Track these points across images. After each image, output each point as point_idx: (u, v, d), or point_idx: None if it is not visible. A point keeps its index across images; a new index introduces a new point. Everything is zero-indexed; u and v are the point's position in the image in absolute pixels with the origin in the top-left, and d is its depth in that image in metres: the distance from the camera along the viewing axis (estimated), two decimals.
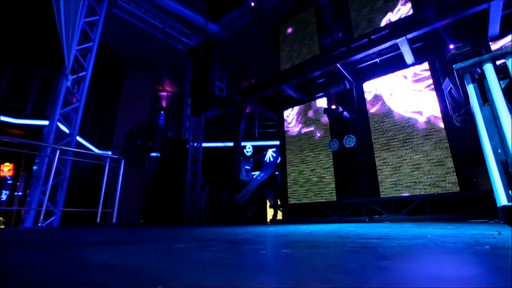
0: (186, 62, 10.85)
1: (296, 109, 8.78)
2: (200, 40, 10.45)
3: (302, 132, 8.42)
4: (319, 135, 8.00)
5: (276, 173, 8.35)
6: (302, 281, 0.68)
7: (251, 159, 6.66)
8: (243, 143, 9.08)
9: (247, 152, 6.62)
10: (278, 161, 8.70)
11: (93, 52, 7.02)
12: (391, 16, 7.11)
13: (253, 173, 8.63)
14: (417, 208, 5.84)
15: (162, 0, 9.20)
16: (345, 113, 7.16)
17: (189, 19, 9.94)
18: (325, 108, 7.38)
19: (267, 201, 9.79)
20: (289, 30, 9.54)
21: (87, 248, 1.54)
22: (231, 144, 9.30)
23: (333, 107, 7.07)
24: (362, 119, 7.13)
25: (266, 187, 7.89)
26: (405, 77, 6.71)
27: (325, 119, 7.90)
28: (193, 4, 9.72)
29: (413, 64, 6.63)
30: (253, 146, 10.96)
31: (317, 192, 7.56)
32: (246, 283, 0.67)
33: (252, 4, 9.31)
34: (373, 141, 6.83)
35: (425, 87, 6.35)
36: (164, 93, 14.78)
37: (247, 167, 6.58)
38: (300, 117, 8.61)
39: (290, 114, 8.89)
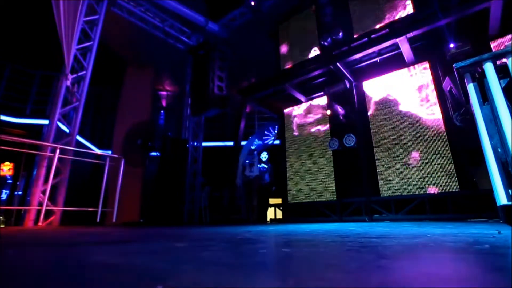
0: (186, 61, 10.84)
1: (296, 108, 8.78)
2: (200, 39, 10.45)
3: (302, 131, 8.41)
4: (319, 134, 8.00)
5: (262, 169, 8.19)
6: (302, 281, 0.68)
7: (255, 153, 6.44)
8: (244, 140, 9.03)
9: (252, 146, 6.41)
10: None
11: (93, 51, 7.02)
12: (391, 15, 7.11)
13: (259, 166, 8.40)
14: (417, 207, 5.84)
15: (162, 0, 9.19)
16: (342, 113, 7.14)
17: (189, 18, 9.92)
18: (327, 112, 7.40)
19: (268, 201, 9.79)
20: (289, 29, 9.53)
21: (87, 248, 1.54)
22: (231, 143, 9.29)
23: (328, 112, 7.06)
24: (362, 119, 7.12)
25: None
26: (405, 76, 6.71)
27: (325, 118, 7.90)
28: (193, 3, 9.71)
29: (413, 63, 6.62)
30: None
31: (317, 192, 7.56)
32: (246, 282, 0.67)
33: (252, 3, 9.29)
34: (373, 140, 6.83)
35: (425, 87, 6.35)
36: (164, 93, 14.77)
37: (247, 161, 6.36)
38: (300, 116, 8.61)
39: (290, 114, 8.89)
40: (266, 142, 7.32)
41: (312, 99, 8.47)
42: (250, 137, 6.71)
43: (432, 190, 5.72)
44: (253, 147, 6.44)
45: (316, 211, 7.38)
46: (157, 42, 10.36)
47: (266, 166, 8.60)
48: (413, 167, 6.10)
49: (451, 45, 5.63)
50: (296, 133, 8.53)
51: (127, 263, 0.96)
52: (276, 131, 7.56)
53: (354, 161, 7.04)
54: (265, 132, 7.46)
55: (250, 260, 1.01)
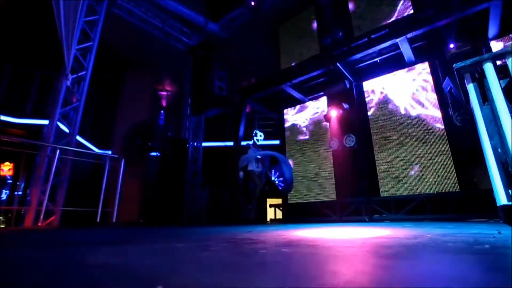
0: (186, 61, 10.84)
1: (296, 108, 8.78)
2: (200, 39, 10.44)
3: (302, 131, 8.41)
4: (319, 134, 8.00)
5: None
6: (302, 281, 0.68)
7: (260, 149, 6.13)
8: (244, 140, 8.97)
9: (257, 140, 6.07)
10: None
11: (93, 52, 7.01)
12: (392, 15, 7.11)
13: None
14: (417, 207, 5.84)
15: (162, 0, 9.18)
16: (342, 113, 7.13)
17: (189, 18, 9.92)
18: (325, 115, 7.41)
19: (267, 201, 9.78)
20: (289, 29, 9.53)
21: (87, 248, 1.54)
22: (231, 143, 9.29)
23: (334, 115, 7.08)
24: (362, 119, 7.13)
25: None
26: (405, 77, 6.71)
27: (325, 118, 7.89)
28: (193, 3, 9.71)
29: (413, 64, 6.62)
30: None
31: (317, 192, 7.56)
32: (246, 282, 0.67)
33: (252, 3, 9.28)
34: (373, 140, 6.84)
35: (425, 87, 6.35)
36: (164, 93, 14.76)
37: (258, 156, 6.02)
38: (300, 116, 8.61)
39: (290, 114, 8.89)
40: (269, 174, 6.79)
41: (312, 99, 8.47)
42: (261, 151, 6.19)
43: (432, 190, 5.71)
44: (259, 157, 6.17)
45: (316, 211, 7.38)
46: (157, 42, 10.35)
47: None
48: (413, 167, 6.10)
49: (451, 45, 5.63)
50: (295, 133, 8.53)
51: (127, 263, 0.96)
52: (278, 180, 6.84)
53: (354, 161, 7.04)
54: (273, 170, 6.91)
55: (250, 260, 1.01)
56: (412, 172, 6.09)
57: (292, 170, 6.02)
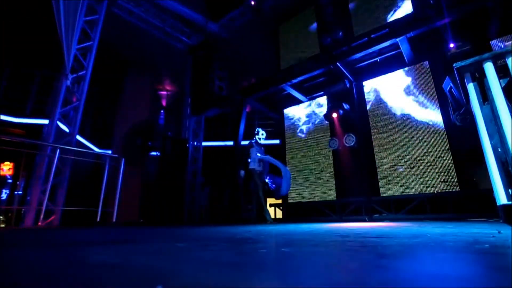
0: (186, 61, 10.84)
1: (296, 108, 8.78)
2: (200, 39, 10.44)
3: (302, 131, 8.42)
4: (318, 134, 8.00)
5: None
6: (302, 281, 0.68)
7: (262, 148, 6.05)
8: (245, 139, 8.95)
9: (259, 138, 5.98)
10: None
11: (93, 51, 7.02)
12: (391, 15, 7.10)
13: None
14: (417, 207, 5.85)
15: (162, 0, 9.18)
16: (342, 112, 7.14)
17: (189, 18, 9.92)
18: (325, 115, 7.40)
19: (267, 200, 9.78)
20: (289, 29, 9.53)
21: (87, 247, 1.54)
22: (231, 143, 9.29)
23: (334, 115, 7.08)
24: (362, 118, 7.13)
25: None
26: (405, 76, 6.71)
27: (325, 117, 7.89)
28: (193, 3, 9.71)
29: (413, 63, 6.63)
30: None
31: (317, 191, 7.56)
32: (246, 282, 0.67)
33: (252, 3, 9.28)
34: (373, 140, 6.84)
35: (425, 86, 6.35)
36: (164, 92, 14.76)
37: (260, 154, 5.94)
38: (300, 115, 8.61)
39: (290, 113, 8.89)
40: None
41: (312, 98, 8.47)
42: (264, 155, 6.05)
43: (432, 190, 5.71)
44: (259, 155, 6.09)
45: (316, 210, 7.38)
46: (157, 42, 10.35)
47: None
48: (413, 167, 6.10)
49: (451, 45, 5.63)
50: (295, 133, 8.54)
51: (127, 263, 0.96)
52: (271, 185, 6.76)
53: (354, 160, 7.05)
54: (268, 177, 6.82)
55: (250, 259, 1.01)
56: (412, 172, 6.09)
57: (290, 185, 6.04)
